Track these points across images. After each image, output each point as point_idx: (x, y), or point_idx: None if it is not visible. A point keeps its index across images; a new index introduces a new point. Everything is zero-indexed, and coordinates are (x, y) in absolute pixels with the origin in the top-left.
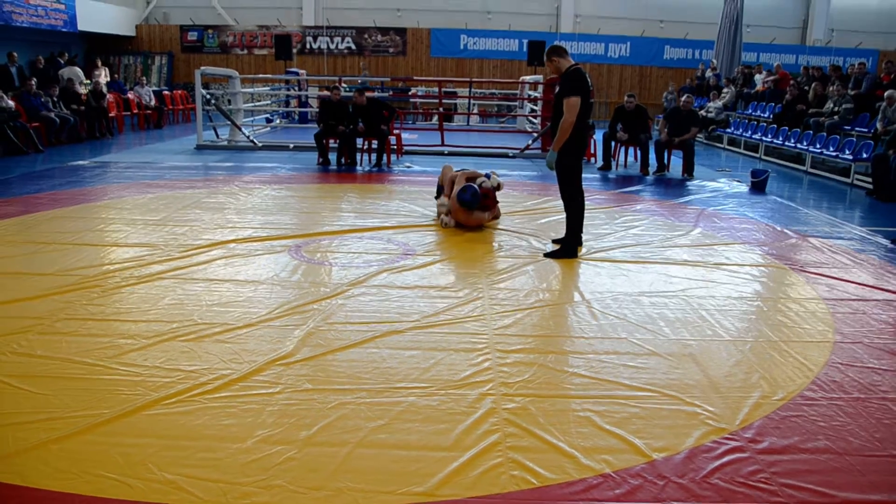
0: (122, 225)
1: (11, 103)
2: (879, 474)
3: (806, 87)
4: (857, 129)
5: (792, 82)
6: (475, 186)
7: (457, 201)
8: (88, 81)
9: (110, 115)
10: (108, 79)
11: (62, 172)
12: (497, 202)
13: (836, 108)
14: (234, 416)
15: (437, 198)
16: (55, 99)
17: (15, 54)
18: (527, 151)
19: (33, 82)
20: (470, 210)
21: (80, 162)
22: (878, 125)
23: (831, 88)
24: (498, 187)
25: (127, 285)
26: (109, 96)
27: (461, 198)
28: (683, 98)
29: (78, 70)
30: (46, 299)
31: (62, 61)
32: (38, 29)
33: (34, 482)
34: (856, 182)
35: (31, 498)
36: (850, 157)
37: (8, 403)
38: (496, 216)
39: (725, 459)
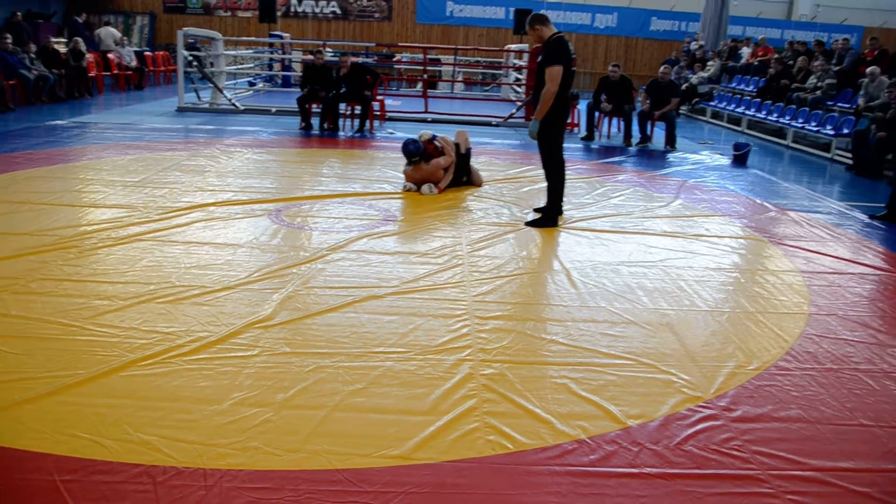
0: (101, 186)
1: None
2: (850, 443)
3: (790, 62)
4: (839, 104)
5: (775, 56)
6: (413, 138)
7: (404, 156)
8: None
9: (90, 75)
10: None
11: (39, 132)
12: (442, 153)
13: (819, 84)
14: (211, 378)
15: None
16: (32, 56)
17: None
18: (510, 120)
19: (9, 39)
20: (413, 159)
21: (59, 122)
22: (860, 101)
23: (815, 64)
24: (431, 139)
25: (104, 246)
26: (89, 56)
27: (405, 149)
28: (661, 69)
29: (113, 30)
30: (22, 259)
31: (80, 20)
32: None
33: (8, 442)
34: (836, 157)
35: (4, 457)
36: (832, 133)
37: None
38: (478, 184)
39: (699, 427)
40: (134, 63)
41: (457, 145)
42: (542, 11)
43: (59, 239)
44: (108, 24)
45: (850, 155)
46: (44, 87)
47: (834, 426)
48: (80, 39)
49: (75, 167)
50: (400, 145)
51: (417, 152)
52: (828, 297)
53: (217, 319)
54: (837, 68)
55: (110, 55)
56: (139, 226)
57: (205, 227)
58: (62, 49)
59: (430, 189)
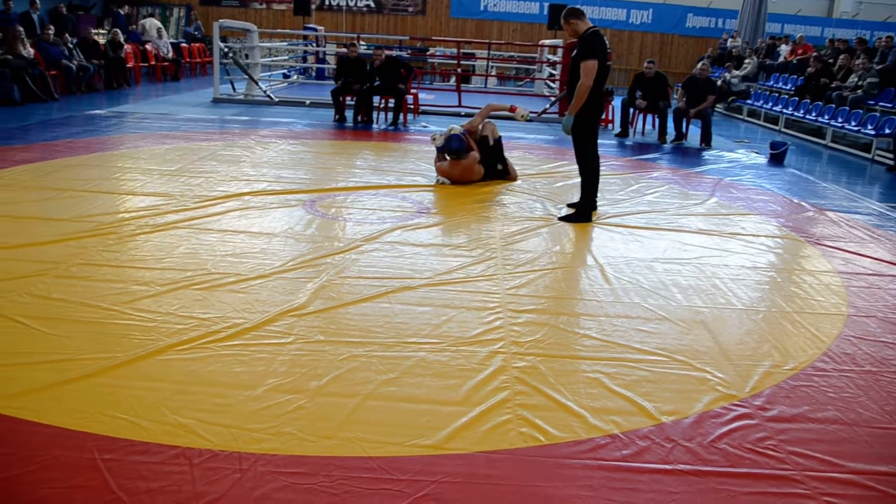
0: (138, 174)
1: (31, 51)
2: (887, 446)
3: (830, 60)
4: (880, 103)
5: (815, 54)
6: (452, 135)
7: (447, 154)
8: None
9: (128, 65)
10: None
11: (79, 121)
12: (472, 147)
13: (860, 82)
14: (246, 364)
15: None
16: (70, 47)
17: (37, 1)
18: (544, 115)
19: (51, 30)
20: (460, 157)
21: (97, 111)
22: None
23: (856, 62)
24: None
25: (142, 233)
26: (127, 47)
27: (449, 147)
28: (699, 65)
29: (157, 21)
30: (62, 244)
31: (122, 12)
32: None
33: (48, 420)
34: (877, 158)
35: (47, 434)
36: (873, 132)
37: (23, 343)
38: (513, 177)
39: (734, 425)
40: (170, 54)
41: (484, 138)
42: (578, 6)
43: (99, 225)
44: (151, 15)
45: (891, 155)
46: (83, 78)
47: (872, 429)
48: (118, 31)
49: (114, 156)
50: (430, 138)
51: (462, 149)
52: (867, 299)
53: (252, 307)
54: (880, 67)
55: (148, 46)
56: (176, 214)
57: (240, 216)
58: (101, 40)
59: (442, 180)
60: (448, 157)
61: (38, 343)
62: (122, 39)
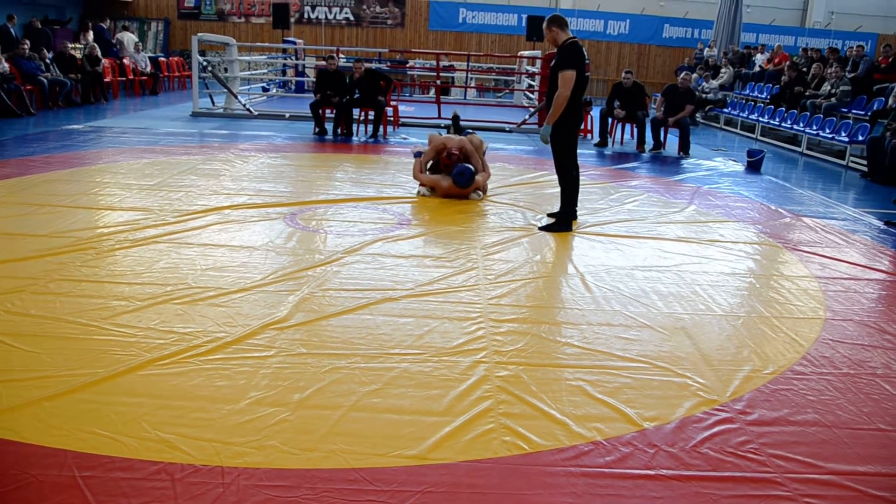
0: (117, 189)
1: (6, 65)
2: (866, 447)
3: (804, 69)
4: (853, 111)
5: (788, 63)
6: (466, 166)
7: (455, 182)
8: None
9: (105, 80)
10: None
11: (56, 136)
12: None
13: (833, 91)
14: (228, 377)
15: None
16: (47, 62)
17: (14, 16)
18: (523, 126)
19: (27, 45)
20: (467, 186)
21: (75, 126)
22: (891, 99)
23: (829, 70)
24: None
25: (121, 248)
26: (105, 61)
27: (462, 177)
28: (681, 76)
29: (132, 35)
30: (40, 260)
31: (104, 26)
32: None
33: (27, 438)
34: (851, 164)
35: (25, 453)
36: (846, 140)
37: (1, 361)
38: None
39: (715, 430)
40: (148, 68)
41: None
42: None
43: (77, 241)
44: (126, 28)
45: (864, 162)
46: (60, 92)
47: (851, 430)
48: (95, 45)
49: (91, 170)
50: (411, 150)
51: (472, 179)
52: (844, 303)
53: (233, 320)
54: (852, 75)
55: (126, 60)
56: (155, 228)
57: (220, 229)
58: (78, 55)
59: (424, 191)
60: (455, 183)
61: (15, 360)
62: (99, 53)
